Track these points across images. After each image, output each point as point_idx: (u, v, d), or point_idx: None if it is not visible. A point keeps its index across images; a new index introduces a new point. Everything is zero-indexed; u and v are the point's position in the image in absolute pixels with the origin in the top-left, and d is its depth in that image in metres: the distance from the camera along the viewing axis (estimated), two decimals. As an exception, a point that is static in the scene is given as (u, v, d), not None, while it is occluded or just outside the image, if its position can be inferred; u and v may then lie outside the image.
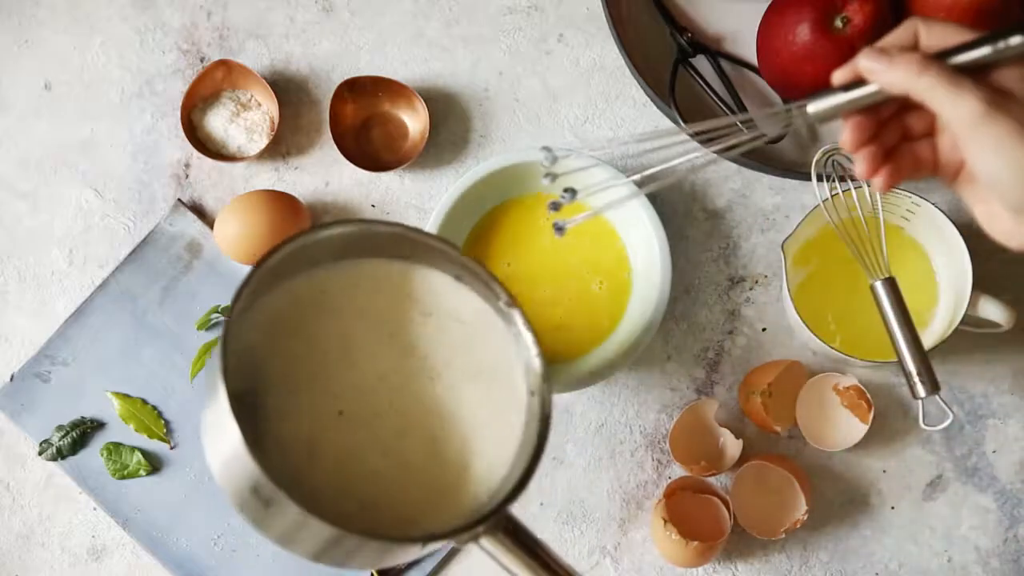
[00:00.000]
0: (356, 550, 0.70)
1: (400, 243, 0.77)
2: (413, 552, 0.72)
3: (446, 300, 0.78)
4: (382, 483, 0.73)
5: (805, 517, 0.91)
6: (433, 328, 0.77)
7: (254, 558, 0.95)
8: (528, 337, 0.76)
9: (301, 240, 0.73)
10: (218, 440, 0.69)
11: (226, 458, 0.68)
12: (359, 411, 0.74)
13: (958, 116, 0.61)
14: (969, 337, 0.93)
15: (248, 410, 0.71)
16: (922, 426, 0.86)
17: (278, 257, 0.72)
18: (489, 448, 0.75)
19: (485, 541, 0.70)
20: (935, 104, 0.61)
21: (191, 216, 0.97)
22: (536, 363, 0.76)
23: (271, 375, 0.73)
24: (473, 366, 0.77)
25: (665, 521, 0.90)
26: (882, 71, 0.63)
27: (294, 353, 0.75)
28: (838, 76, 0.65)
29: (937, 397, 0.84)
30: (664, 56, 0.96)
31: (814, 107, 0.65)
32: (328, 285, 0.77)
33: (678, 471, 0.95)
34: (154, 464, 0.96)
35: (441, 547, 0.73)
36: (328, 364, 0.75)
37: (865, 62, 0.63)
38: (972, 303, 0.88)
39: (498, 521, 0.70)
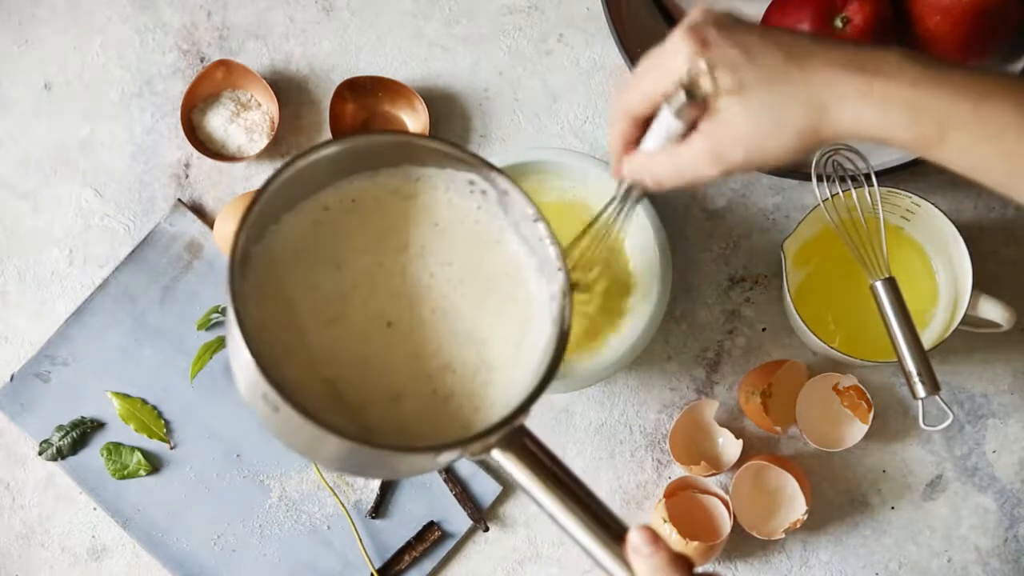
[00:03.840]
0: (371, 461, 0.72)
1: (407, 151, 0.77)
2: (440, 456, 0.71)
3: (461, 210, 0.78)
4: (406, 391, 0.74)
5: (805, 517, 0.91)
6: (449, 235, 0.77)
7: (254, 558, 0.95)
8: (552, 250, 0.75)
9: (300, 162, 0.72)
10: (233, 354, 0.71)
11: (240, 368, 0.70)
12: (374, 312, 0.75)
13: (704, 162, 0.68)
14: (969, 337, 0.93)
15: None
16: (922, 426, 0.86)
17: (282, 179, 0.73)
18: (508, 356, 0.75)
19: (497, 453, 0.70)
20: (694, 179, 0.69)
21: (191, 216, 0.97)
22: (560, 276, 0.75)
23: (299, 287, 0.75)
24: (492, 276, 0.77)
25: (665, 521, 0.90)
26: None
27: (320, 275, 0.76)
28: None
29: (937, 397, 0.84)
30: (664, 56, 0.96)
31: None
32: (330, 201, 0.77)
33: (678, 471, 0.95)
34: (154, 464, 0.96)
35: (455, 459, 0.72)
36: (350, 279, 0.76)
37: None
38: (972, 303, 0.88)
39: (512, 433, 0.70)
